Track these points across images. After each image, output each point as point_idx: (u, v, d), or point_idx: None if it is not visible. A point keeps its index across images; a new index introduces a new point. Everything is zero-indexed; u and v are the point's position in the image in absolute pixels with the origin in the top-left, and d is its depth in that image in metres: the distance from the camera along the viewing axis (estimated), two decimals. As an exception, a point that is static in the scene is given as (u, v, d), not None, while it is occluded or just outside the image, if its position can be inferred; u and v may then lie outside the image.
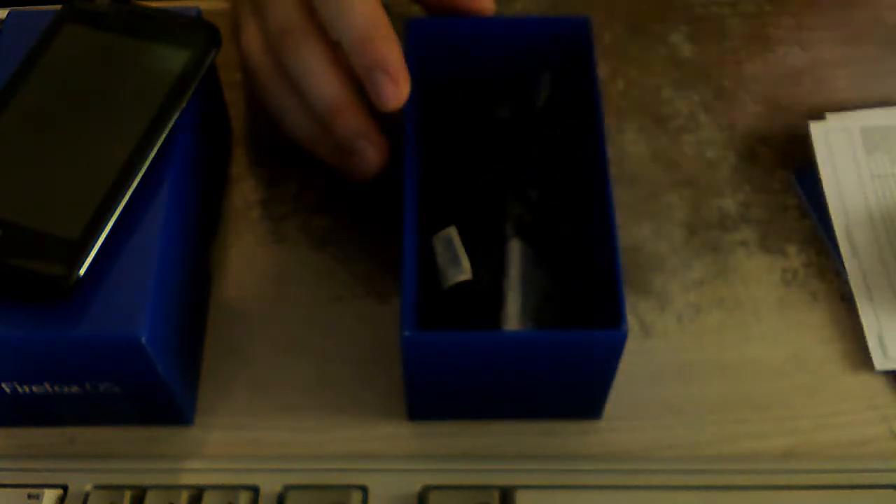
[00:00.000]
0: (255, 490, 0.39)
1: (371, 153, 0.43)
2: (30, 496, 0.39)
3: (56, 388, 0.39)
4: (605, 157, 0.40)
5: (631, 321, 0.45)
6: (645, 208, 0.48)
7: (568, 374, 0.39)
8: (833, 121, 0.50)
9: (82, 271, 0.36)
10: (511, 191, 0.44)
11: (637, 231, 0.48)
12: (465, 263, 0.41)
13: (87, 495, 0.39)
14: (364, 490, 0.39)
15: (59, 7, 0.43)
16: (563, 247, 0.43)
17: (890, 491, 0.39)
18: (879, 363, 0.44)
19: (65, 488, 0.39)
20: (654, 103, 0.52)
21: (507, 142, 0.46)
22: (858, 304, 0.45)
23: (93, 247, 0.37)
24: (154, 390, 0.40)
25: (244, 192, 0.49)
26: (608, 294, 0.38)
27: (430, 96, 0.46)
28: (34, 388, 0.39)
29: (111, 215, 0.38)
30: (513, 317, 0.41)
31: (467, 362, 0.38)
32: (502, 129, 0.46)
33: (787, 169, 0.50)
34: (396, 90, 0.40)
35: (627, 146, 0.50)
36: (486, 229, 0.43)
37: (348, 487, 0.39)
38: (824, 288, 0.46)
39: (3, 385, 0.39)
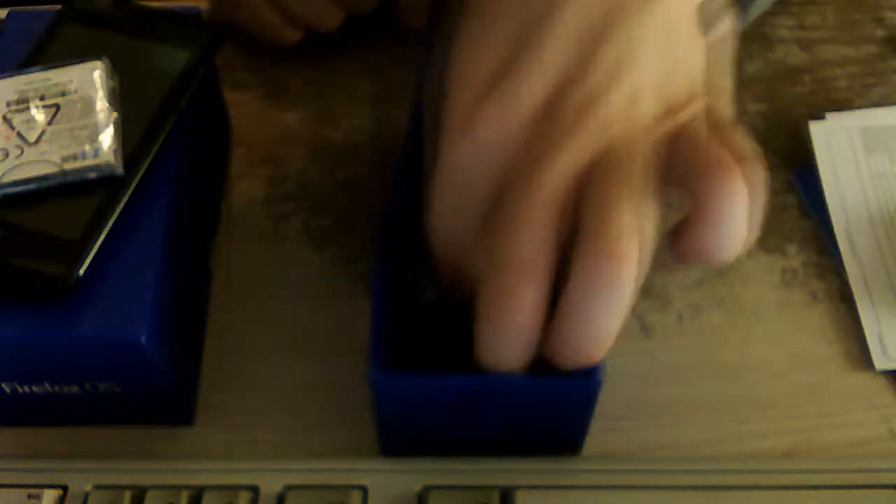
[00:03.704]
0: (255, 490, 0.39)
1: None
2: (30, 496, 0.39)
3: (56, 388, 0.39)
4: None
5: (631, 321, 0.45)
6: (645, 208, 0.48)
7: (543, 415, 0.38)
8: (833, 121, 0.50)
9: (82, 271, 0.36)
10: None
11: (637, 231, 0.48)
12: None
13: (87, 495, 0.39)
14: (364, 490, 0.39)
15: (59, 7, 0.43)
16: None
17: (890, 491, 0.39)
18: (879, 363, 0.44)
19: (65, 488, 0.39)
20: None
21: None
22: (858, 304, 0.45)
23: (93, 247, 0.37)
24: (154, 390, 0.40)
25: (244, 192, 0.49)
26: None
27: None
28: (34, 388, 0.39)
29: (111, 215, 0.38)
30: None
31: (439, 403, 0.37)
32: None
33: (787, 169, 0.50)
34: None
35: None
36: None
37: (348, 487, 0.39)
38: (824, 288, 0.46)
39: (3, 385, 0.39)
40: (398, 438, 0.40)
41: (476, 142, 0.31)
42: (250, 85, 0.53)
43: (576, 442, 0.41)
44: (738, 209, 0.31)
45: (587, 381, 0.35)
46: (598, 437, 0.42)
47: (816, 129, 0.50)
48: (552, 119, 0.31)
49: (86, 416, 0.42)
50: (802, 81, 0.53)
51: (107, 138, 0.39)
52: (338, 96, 0.52)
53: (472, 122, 0.31)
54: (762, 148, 0.50)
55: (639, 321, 0.45)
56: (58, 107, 0.39)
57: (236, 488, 0.39)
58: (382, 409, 0.38)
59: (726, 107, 0.34)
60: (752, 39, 0.54)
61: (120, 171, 0.38)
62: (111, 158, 0.38)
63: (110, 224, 0.38)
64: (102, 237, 0.37)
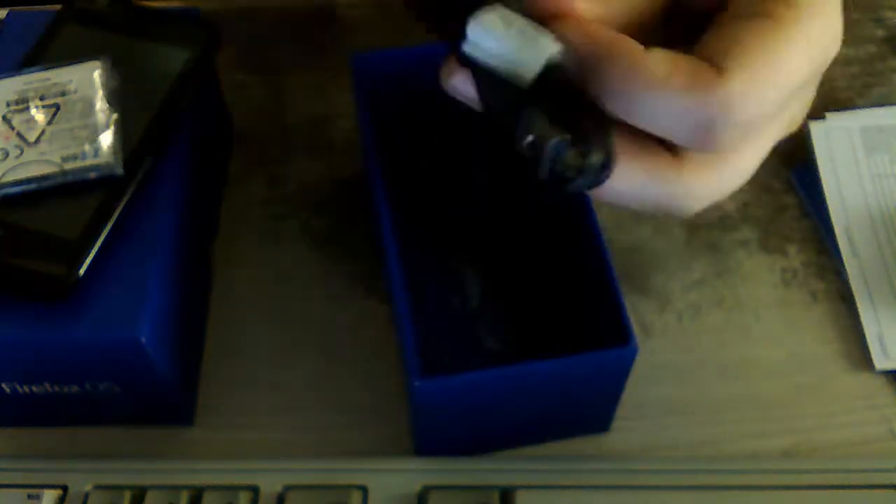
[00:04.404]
0: (255, 490, 0.39)
1: None
2: (30, 496, 0.39)
3: (56, 388, 0.39)
4: None
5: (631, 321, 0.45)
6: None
7: (579, 394, 0.39)
8: (833, 120, 0.50)
9: (82, 271, 0.36)
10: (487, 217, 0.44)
11: (637, 231, 0.48)
12: (545, 40, 0.29)
13: (87, 495, 0.39)
14: (364, 490, 0.39)
15: (59, 7, 0.43)
16: (551, 259, 0.43)
17: (890, 491, 0.39)
18: (879, 363, 0.44)
19: (65, 488, 0.39)
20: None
21: (478, 169, 0.45)
22: (858, 304, 0.45)
23: (93, 247, 0.37)
24: (154, 390, 0.40)
25: (244, 192, 0.49)
26: (606, 307, 0.37)
27: (384, 131, 0.43)
28: (34, 388, 0.39)
29: (111, 215, 0.38)
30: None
31: (479, 399, 0.38)
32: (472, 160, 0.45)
33: (787, 168, 0.50)
34: None
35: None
36: (468, 256, 0.43)
37: (348, 487, 0.39)
38: (824, 288, 0.46)
39: (3, 385, 0.39)
40: (436, 441, 0.40)
41: None
42: (250, 85, 0.53)
43: (606, 419, 0.41)
44: None
45: (624, 349, 0.36)
46: (598, 437, 0.42)
47: (816, 129, 0.50)
48: None
49: (86, 416, 0.42)
50: (802, 81, 0.53)
51: (107, 138, 0.39)
52: (338, 96, 0.52)
53: None
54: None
55: (639, 321, 0.45)
56: (58, 107, 0.39)
57: (236, 488, 0.39)
58: (426, 415, 0.38)
59: None
60: (752, 39, 0.54)
61: (120, 171, 0.38)
62: (111, 158, 0.38)
63: (110, 224, 0.38)
64: (102, 237, 0.37)
